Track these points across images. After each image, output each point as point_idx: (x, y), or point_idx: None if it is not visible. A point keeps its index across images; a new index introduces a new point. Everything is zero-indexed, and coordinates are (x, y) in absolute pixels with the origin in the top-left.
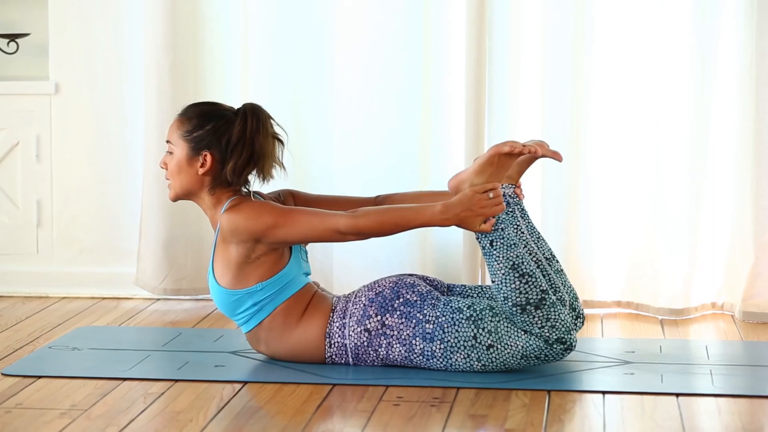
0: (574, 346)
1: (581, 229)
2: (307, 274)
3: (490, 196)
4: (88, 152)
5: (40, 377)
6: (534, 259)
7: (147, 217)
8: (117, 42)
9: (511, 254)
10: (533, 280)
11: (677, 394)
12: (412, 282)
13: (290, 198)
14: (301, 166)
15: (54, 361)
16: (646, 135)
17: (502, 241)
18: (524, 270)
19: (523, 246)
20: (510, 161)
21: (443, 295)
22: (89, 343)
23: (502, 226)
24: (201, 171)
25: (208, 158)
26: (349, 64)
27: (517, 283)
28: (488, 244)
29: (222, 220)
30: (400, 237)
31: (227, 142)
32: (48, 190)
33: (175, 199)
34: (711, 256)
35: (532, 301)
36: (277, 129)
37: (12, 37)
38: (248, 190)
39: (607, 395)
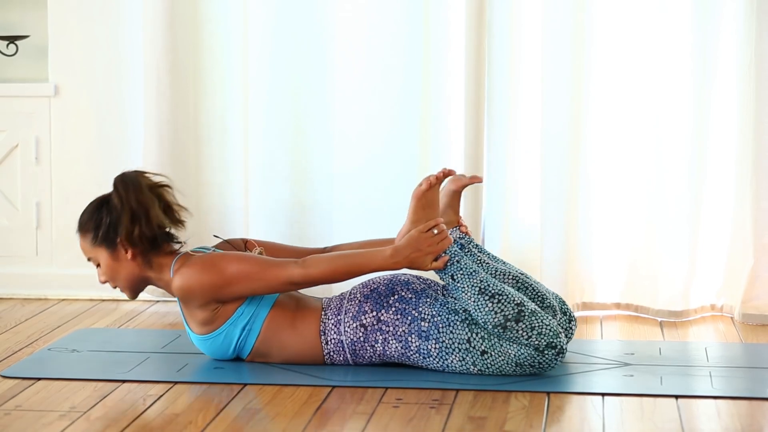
0: (566, 349)
1: (581, 231)
2: None
3: (435, 232)
4: (87, 154)
5: (39, 379)
6: (502, 278)
7: None
8: (116, 44)
9: (474, 280)
10: (504, 297)
11: (677, 396)
12: (406, 279)
13: (242, 245)
14: (301, 168)
15: (53, 363)
16: (646, 136)
17: (461, 272)
18: (492, 291)
19: (484, 270)
20: (434, 195)
21: (440, 295)
22: (88, 345)
23: (457, 258)
24: (130, 257)
25: (122, 246)
26: (348, 65)
27: (490, 305)
28: (450, 279)
29: (173, 289)
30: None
31: (120, 219)
32: (47, 192)
33: (134, 295)
34: (710, 258)
35: (510, 316)
36: (156, 178)
37: (11, 39)
38: (180, 243)
39: (606, 397)
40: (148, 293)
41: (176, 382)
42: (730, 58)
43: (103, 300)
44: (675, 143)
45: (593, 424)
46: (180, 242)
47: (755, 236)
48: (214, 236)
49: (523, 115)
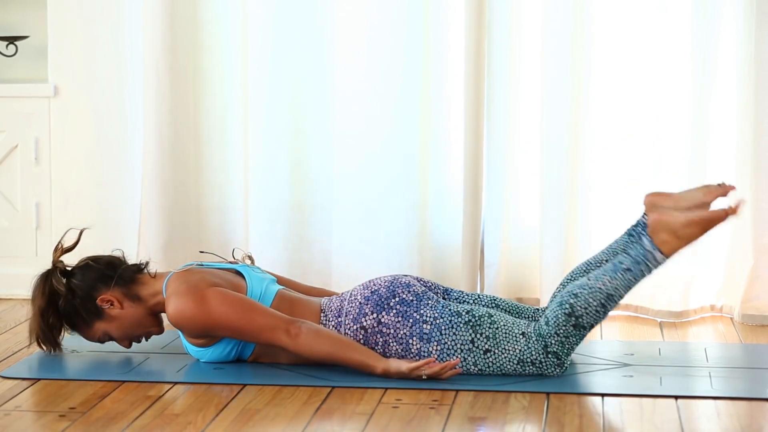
0: (566, 368)
1: (580, 231)
2: (274, 280)
3: (424, 377)
4: (87, 155)
5: (39, 379)
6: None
7: (146, 220)
8: (116, 44)
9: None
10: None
11: (676, 397)
12: (407, 282)
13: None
14: (301, 169)
15: (53, 363)
16: (646, 137)
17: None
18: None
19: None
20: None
21: (441, 298)
22: (88, 346)
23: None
24: (116, 309)
25: (105, 298)
26: (348, 67)
27: (570, 328)
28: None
29: (167, 316)
30: (399, 241)
31: (86, 285)
32: (47, 193)
33: (160, 330)
34: (710, 259)
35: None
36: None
37: (11, 40)
38: (147, 271)
39: (606, 398)
40: None
41: (176, 383)
42: (730, 59)
43: None
44: (674, 143)
45: (593, 424)
46: (147, 263)
47: (755, 237)
48: (200, 252)
49: (522, 115)
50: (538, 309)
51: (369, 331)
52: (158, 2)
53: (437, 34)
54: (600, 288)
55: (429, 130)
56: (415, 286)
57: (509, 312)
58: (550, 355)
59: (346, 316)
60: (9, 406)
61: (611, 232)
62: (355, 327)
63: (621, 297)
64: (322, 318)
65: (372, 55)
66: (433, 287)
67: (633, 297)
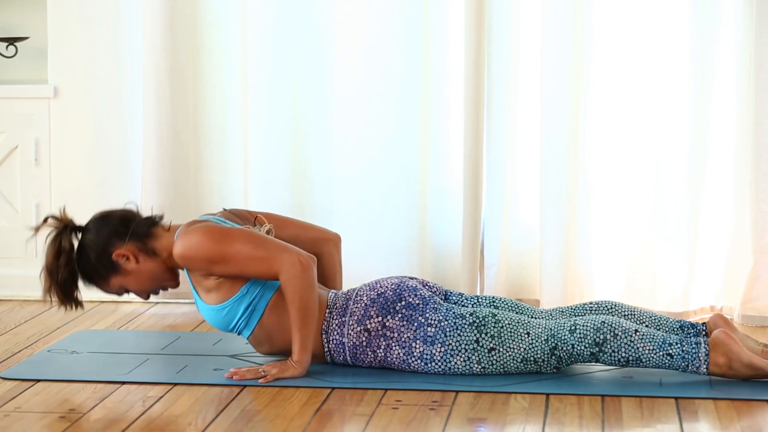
0: (561, 369)
1: (580, 233)
2: None
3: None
4: (87, 156)
5: (38, 381)
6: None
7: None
8: (116, 45)
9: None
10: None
11: (676, 398)
12: (414, 286)
13: (251, 219)
14: (301, 170)
15: (53, 364)
16: (645, 139)
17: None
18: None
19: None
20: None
21: (443, 301)
22: (88, 347)
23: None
24: (132, 264)
25: (120, 252)
26: (348, 68)
27: (588, 353)
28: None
29: (174, 256)
30: (399, 242)
31: (97, 238)
32: (47, 194)
33: (176, 283)
34: (710, 260)
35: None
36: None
37: (11, 41)
38: (161, 216)
39: (606, 399)
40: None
41: (176, 384)
42: (730, 61)
43: (103, 302)
44: (674, 144)
45: (593, 425)
46: (161, 217)
47: (755, 238)
48: (224, 209)
49: (522, 117)
50: (536, 310)
51: (372, 333)
52: (158, 4)
53: (437, 35)
54: (638, 348)
55: (429, 131)
56: (421, 290)
57: (510, 311)
58: (553, 358)
59: (350, 316)
60: (9, 407)
61: (611, 233)
62: (358, 329)
63: (644, 367)
64: (326, 314)
65: (372, 56)
66: (436, 291)
67: (634, 298)
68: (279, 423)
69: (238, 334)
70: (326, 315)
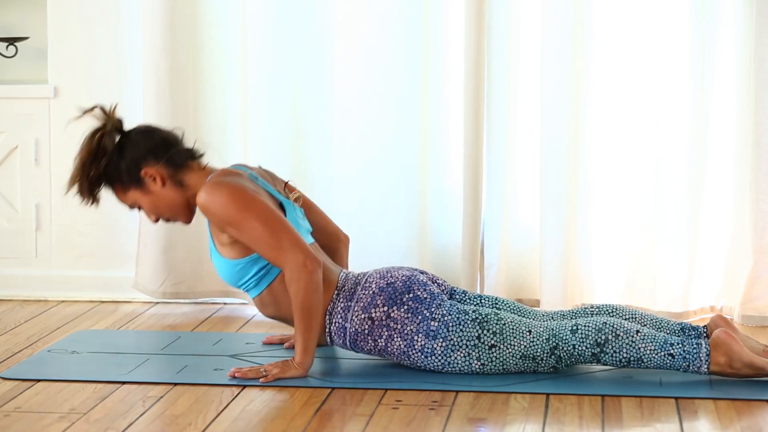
0: (559, 370)
1: (580, 233)
2: (309, 230)
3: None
4: None
5: (39, 381)
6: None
7: (146, 220)
8: (116, 45)
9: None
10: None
11: (676, 398)
12: (424, 281)
13: (281, 186)
14: (300, 171)
15: (53, 364)
16: (645, 139)
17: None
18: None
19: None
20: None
21: (448, 297)
22: (88, 347)
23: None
24: (157, 186)
25: (149, 171)
26: (347, 69)
27: (589, 354)
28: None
29: (198, 200)
30: (399, 242)
31: (135, 149)
32: (47, 194)
33: (188, 220)
34: (710, 260)
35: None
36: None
37: (11, 41)
38: (202, 155)
39: (606, 399)
40: (147, 294)
41: (176, 384)
42: (730, 61)
43: (103, 302)
44: (674, 144)
45: (593, 425)
46: (202, 154)
47: (755, 238)
48: (259, 166)
49: (522, 117)
50: (537, 313)
51: (376, 323)
52: (158, 3)
53: (437, 35)
54: (639, 349)
55: (429, 131)
56: (430, 286)
57: (512, 312)
58: (553, 357)
59: (357, 302)
60: (9, 407)
61: (611, 233)
62: (363, 316)
63: (645, 368)
64: (334, 295)
65: (372, 56)
66: (444, 289)
67: (633, 298)
68: (279, 423)
69: (245, 291)
70: (333, 296)
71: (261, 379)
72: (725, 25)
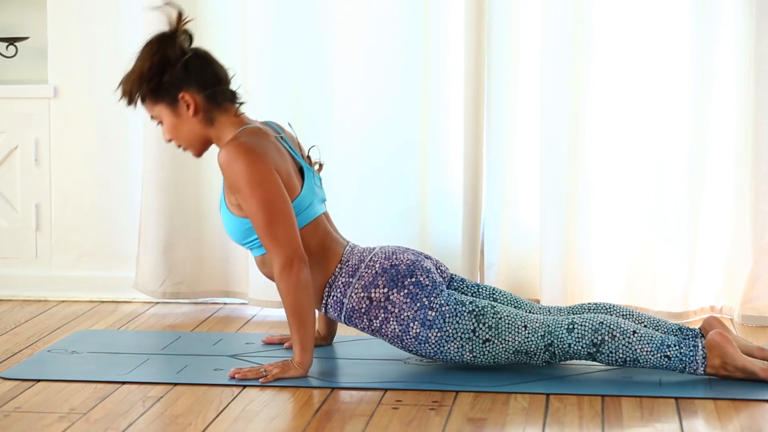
0: (553, 364)
1: (580, 232)
2: (323, 200)
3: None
4: (87, 156)
5: (38, 381)
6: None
7: (146, 220)
8: (116, 45)
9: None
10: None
11: (676, 398)
12: (428, 268)
13: (304, 154)
14: None
15: (53, 364)
16: (645, 140)
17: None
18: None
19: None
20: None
21: (446, 286)
22: (88, 347)
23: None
24: (191, 112)
25: (187, 97)
26: (348, 68)
27: (585, 353)
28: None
29: (219, 157)
30: (398, 242)
31: (185, 71)
32: (47, 194)
33: (199, 154)
34: (710, 260)
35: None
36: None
37: (11, 41)
38: (242, 103)
39: (606, 399)
40: (147, 294)
41: (176, 384)
42: (730, 61)
43: (103, 302)
44: (674, 145)
45: (593, 425)
46: (242, 102)
47: (754, 238)
48: (288, 124)
49: (522, 116)
50: (534, 306)
51: (374, 303)
52: (158, 4)
53: (437, 35)
54: (636, 350)
55: (429, 131)
56: (434, 274)
57: (508, 304)
58: (546, 353)
59: (358, 279)
60: (9, 407)
61: (611, 233)
62: (362, 294)
63: (641, 368)
64: (337, 268)
65: (372, 56)
66: (445, 277)
67: (633, 298)
68: (279, 423)
69: (249, 249)
70: (336, 269)
71: (261, 379)
72: (725, 25)
